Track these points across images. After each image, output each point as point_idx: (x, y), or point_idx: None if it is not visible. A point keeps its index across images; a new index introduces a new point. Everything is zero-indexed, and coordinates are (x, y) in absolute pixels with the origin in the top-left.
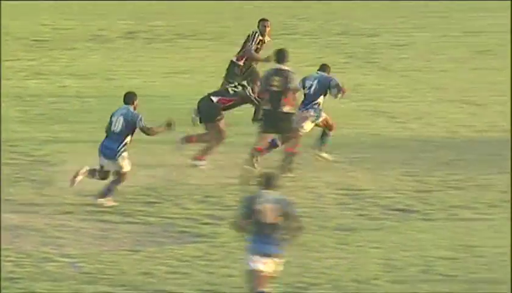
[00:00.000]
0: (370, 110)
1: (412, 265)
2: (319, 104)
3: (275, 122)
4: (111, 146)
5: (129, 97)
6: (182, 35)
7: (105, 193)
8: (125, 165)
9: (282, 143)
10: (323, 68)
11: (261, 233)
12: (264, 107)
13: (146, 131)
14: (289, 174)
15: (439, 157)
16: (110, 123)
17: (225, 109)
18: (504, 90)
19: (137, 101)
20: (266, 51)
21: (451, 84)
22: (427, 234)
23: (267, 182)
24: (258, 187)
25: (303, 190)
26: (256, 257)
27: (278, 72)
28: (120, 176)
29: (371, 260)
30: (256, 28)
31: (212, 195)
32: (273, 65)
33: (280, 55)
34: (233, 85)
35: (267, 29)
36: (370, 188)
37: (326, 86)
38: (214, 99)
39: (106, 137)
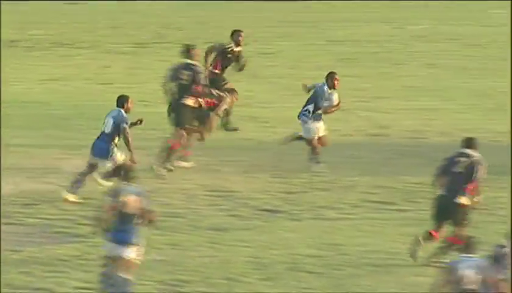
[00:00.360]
0: (241, 115)
1: (281, 262)
2: (309, 112)
3: (174, 112)
4: (101, 145)
5: (120, 101)
6: (60, 44)
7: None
8: (116, 159)
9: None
10: (327, 76)
11: (122, 223)
12: (174, 98)
13: (124, 134)
14: (163, 171)
15: (306, 160)
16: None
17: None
18: (368, 96)
19: (128, 103)
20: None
21: None
22: (294, 233)
23: (126, 174)
24: (118, 180)
25: (176, 191)
26: (117, 246)
27: (187, 66)
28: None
29: (242, 259)
30: (230, 39)
31: (88, 197)
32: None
33: (187, 50)
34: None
35: (241, 39)
36: (241, 190)
37: (318, 97)
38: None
39: (98, 137)
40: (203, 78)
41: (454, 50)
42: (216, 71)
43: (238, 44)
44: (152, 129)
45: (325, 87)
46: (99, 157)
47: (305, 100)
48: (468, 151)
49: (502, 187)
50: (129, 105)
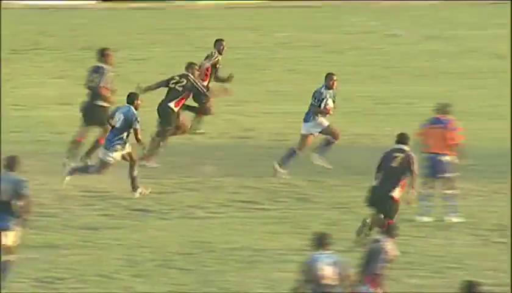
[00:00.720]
0: None
1: (152, 260)
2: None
3: (90, 114)
4: (110, 138)
5: (130, 98)
6: None
7: (73, 171)
8: (111, 157)
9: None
10: (326, 77)
11: None
12: (85, 101)
13: (136, 132)
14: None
15: (176, 161)
16: (113, 118)
17: (181, 108)
18: (233, 100)
19: (138, 101)
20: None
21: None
22: (165, 232)
23: (9, 164)
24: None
25: (50, 192)
26: None
27: (96, 69)
28: (101, 164)
29: (114, 257)
30: (213, 48)
31: None
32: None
33: (101, 54)
34: (175, 80)
35: (223, 48)
36: (113, 190)
37: (314, 98)
38: (172, 104)
39: (110, 130)
40: (108, 79)
41: (315, 57)
42: (205, 82)
43: (220, 53)
44: (23, 132)
45: (323, 89)
46: (104, 147)
47: None
48: (402, 146)
49: (363, 187)
50: (138, 102)
